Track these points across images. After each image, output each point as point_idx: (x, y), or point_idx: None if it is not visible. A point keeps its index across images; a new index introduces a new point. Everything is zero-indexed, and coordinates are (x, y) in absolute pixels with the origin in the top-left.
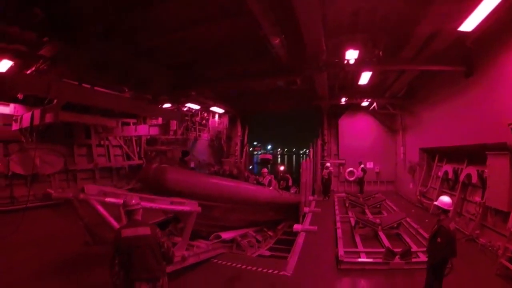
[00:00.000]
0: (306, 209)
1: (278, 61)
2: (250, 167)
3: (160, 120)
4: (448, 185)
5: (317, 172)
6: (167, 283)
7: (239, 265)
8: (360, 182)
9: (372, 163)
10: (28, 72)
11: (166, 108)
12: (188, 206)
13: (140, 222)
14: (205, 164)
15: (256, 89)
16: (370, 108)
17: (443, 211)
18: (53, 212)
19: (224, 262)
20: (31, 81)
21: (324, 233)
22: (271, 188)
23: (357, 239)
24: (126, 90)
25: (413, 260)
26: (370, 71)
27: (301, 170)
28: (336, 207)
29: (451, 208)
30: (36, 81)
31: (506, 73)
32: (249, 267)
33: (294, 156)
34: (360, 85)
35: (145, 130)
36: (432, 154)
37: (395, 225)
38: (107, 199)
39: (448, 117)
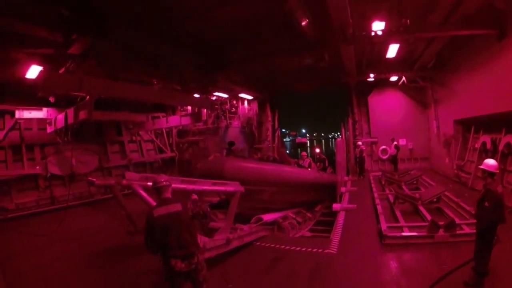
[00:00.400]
0: (343, 189)
1: (304, 38)
2: (287, 151)
3: (189, 110)
4: (487, 157)
5: (350, 152)
6: (203, 261)
7: (282, 246)
8: (393, 160)
9: (404, 140)
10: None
11: (196, 96)
12: (231, 186)
13: (171, 199)
14: (238, 151)
15: (283, 68)
16: (399, 83)
17: (489, 174)
18: (92, 209)
19: (267, 244)
20: (62, 79)
21: (364, 211)
22: (311, 170)
23: (398, 214)
24: (155, 82)
25: (458, 232)
26: (398, 41)
27: (335, 150)
28: (373, 185)
29: (497, 171)
30: (68, 79)
31: None
32: (293, 248)
33: (323, 140)
34: (388, 59)
35: (176, 120)
36: (467, 126)
37: (435, 199)
38: (149, 183)
39: (483, 84)
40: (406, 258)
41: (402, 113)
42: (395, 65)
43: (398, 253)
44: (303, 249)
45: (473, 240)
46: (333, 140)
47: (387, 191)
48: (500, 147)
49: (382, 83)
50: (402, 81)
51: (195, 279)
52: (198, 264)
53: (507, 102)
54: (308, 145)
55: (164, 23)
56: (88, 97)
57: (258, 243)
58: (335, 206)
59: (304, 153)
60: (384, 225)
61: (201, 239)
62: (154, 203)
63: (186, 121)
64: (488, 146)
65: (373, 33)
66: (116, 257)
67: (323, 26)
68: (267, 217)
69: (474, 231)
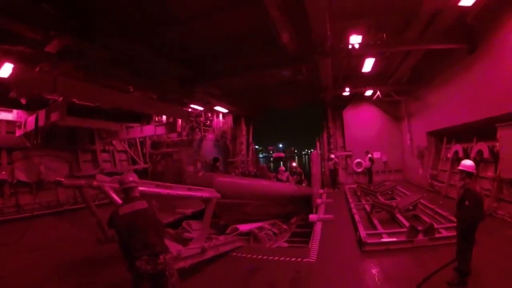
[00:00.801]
0: (318, 201)
1: (284, 51)
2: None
3: (164, 121)
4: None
5: (325, 166)
6: (172, 261)
7: (259, 257)
8: (368, 172)
9: (379, 153)
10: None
11: (173, 106)
12: (207, 192)
13: (137, 197)
14: (211, 165)
15: (261, 83)
16: (374, 97)
17: (467, 174)
18: (60, 219)
19: (243, 255)
20: (36, 78)
21: (341, 221)
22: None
23: (376, 222)
24: (131, 90)
25: (436, 236)
26: (374, 55)
27: (311, 163)
28: (349, 196)
29: (475, 171)
30: (42, 78)
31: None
32: (271, 257)
33: (296, 157)
34: (363, 74)
35: (151, 130)
36: (440, 137)
37: (411, 207)
38: None
39: (455, 96)
40: (387, 264)
41: (377, 127)
42: (370, 79)
43: (378, 259)
44: (281, 258)
45: (452, 243)
46: (307, 156)
47: (363, 202)
48: (472, 155)
49: (357, 98)
50: (376, 95)
51: (163, 286)
52: (167, 267)
53: (477, 111)
54: (284, 159)
55: (148, 30)
56: (61, 98)
57: (234, 254)
58: (312, 216)
59: (282, 168)
60: (363, 233)
61: (175, 247)
62: None
63: (160, 130)
64: (460, 154)
65: (350, 46)
66: (84, 268)
67: (303, 40)
68: (243, 227)
69: (453, 234)
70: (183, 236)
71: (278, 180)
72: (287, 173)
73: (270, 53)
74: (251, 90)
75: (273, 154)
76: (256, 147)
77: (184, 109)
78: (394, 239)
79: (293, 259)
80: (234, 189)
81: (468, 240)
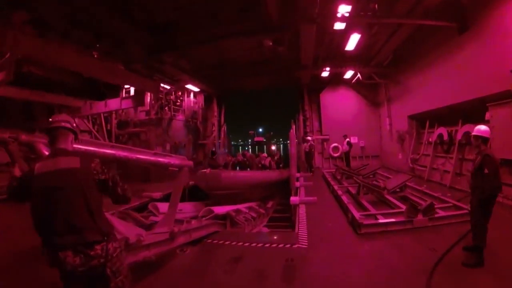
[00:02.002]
0: (297, 184)
1: (264, 20)
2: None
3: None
4: (443, 149)
5: (300, 150)
6: (120, 252)
7: (240, 243)
8: (346, 156)
9: (356, 138)
10: None
11: (141, 77)
12: (176, 159)
13: (66, 151)
14: (181, 146)
15: (235, 58)
16: (353, 80)
17: (482, 140)
18: (11, 206)
19: (221, 241)
20: None
21: (325, 204)
22: (274, 169)
23: (365, 203)
24: (95, 56)
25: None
26: (360, 31)
27: (288, 141)
28: (329, 179)
29: (490, 136)
30: None
31: (507, 21)
32: (254, 244)
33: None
34: (345, 53)
35: (116, 104)
36: (421, 121)
37: (399, 189)
38: None
39: (440, 78)
40: (388, 247)
41: (354, 111)
42: (352, 60)
43: (378, 242)
44: (267, 245)
45: (451, 223)
46: (281, 145)
47: (346, 184)
48: (458, 137)
49: (335, 81)
50: (357, 77)
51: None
52: (108, 262)
53: (465, 93)
54: (264, 143)
55: None
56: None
57: (209, 241)
58: (293, 199)
59: (264, 154)
60: (357, 214)
61: (135, 232)
62: None
63: (127, 104)
64: (445, 137)
65: (339, 15)
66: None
67: (288, 6)
68: (218, 209)
69: (451, 213)
70: (147, 221)
71: (262, 165)
72: (269, 159)
73: (248, 21)
74: (224, 65)
75: (254, 138)
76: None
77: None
78: (393, 220)
79: (280, 245)
80: (236, 182)
81: (486, 212)
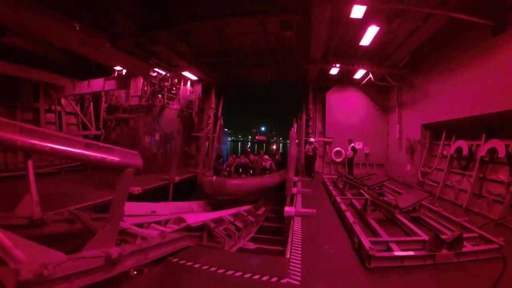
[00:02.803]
0: (293, 190)
1: None
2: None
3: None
4: (460, 164)
5: (301, 150)
6: None
7: (213, 268)
8: (349, 163)
9: (361, 144)
10: None
11: (127, 56)
12: (117, 155)
13: None
14: (171, 137)
15: (238, 46)
16: (364, 81)
17: None
18: None
19: (189, 263)
20: None
21: (325, 218)
22: (275, 173)
23: (373, 224)
24: (77, 28)
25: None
26: (380, 23)
27: (289, 140)
28: (331, 188)
29: None
30: None
31: None
32: (230, 272)
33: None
34: (358, 50)
35: (99, 85)
36: (437, 131)
37: (411, 207)
38: None
39: (464, 85)
40: None
41: (361, 115)
42: (364, 58)
43: (393, 281)
44: (247, 275)
45: (478, 260)
46: (281, 144)
47: (349, 195)
48: (481, 153)
49: (343, 80)
50: (368, 78)
51: None
52: None
53: (493, 103)
54: (266, 141)
55: None
56: None
57: (175, 259)
58: (288, 210)
59: (266, 156)
60: (366, 240)
61: (45, 256)
62: None
63: (110, 85)
64: (465, 152)
65: None
66: None
67: None
68: (193, 218)
69: (479, 249)
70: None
71: (263, 168)
72: (270, 160)
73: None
74: (226, 54)
75: (256, 137)
76: (226, 129)
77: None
78: (411, 253)
79: (264, 277)
80: (239, 189)
81: None
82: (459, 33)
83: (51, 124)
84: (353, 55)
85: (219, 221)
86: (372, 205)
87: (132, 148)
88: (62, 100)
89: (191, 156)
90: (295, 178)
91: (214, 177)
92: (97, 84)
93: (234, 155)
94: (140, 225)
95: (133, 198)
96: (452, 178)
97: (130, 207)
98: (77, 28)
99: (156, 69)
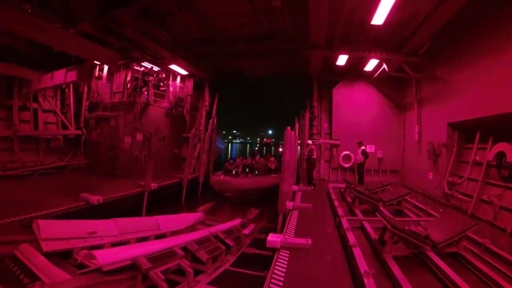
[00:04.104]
0: (289, 204)
1: None
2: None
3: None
4: (500, 174)
5: (303, 154)
6: None
7: None
8: (359, 169)
9: (373, 147)
10: None
11: (87, 41)
12: None
13: None
14: (160, 138)
15: (226, 31)
16: (376, 74)
17: None
18: None
19: None
20: None
21: (324, 252)
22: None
23: (395, 271)
24: (29, 10)
25: None
26: None
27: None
28: (336, 203)
29: None
30: None
31: None
32: None
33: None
34: (370, 34)
35: (61, 76)
36: (468, 131)
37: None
38: None
39: (506, 72)
40: None
41: (373, 114)
42: (377, 44)
43: None
44: None
45: None
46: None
47: (360, 215)
48: None
49: (353, 74)
50: (382, 69)
51: None
52: None
53: None
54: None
55: None
56: None
57: None
58: (272, 239)
59: (272, 158)
60: None
61: None
62: None
63: (71, 77)
64: (509, 159)
65: None
66: None
67: None
68: (115, 254)
69: None
70: None
71: (269, 168)
72: (276, 162)
73: None
74: (214, 41)
75: (264, 140)
76: (234, 131)
77: (132, 66)
78: None
79: None
80: (243, 186)
81: None
82: (495, 5)
83: (26, 123)
84: (363, 41)
85: (166, 255)
86: (397, 236)
87: (111, 149)
88: (40, 97)
89: (183, 159)
90: (295, 188)
91: (222, 176)
92: (59, 76)
93: (241, 158)
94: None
95: (93, 210)
96: (490, 191)
97: (59, 226)
98: (29, 10)
99: (144, 64)
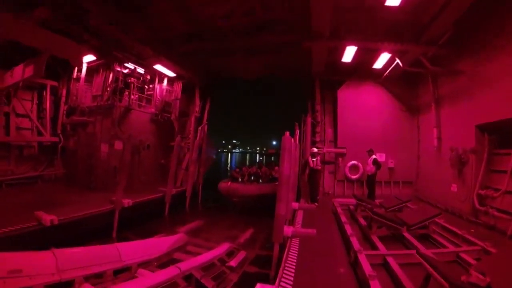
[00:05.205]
0: (287, 230)
1: None
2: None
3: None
4: None
5: (307, 164)
6: None
7: None
8: (369, 181)
9: (383, 155)
10: None
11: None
12: None
13: None
14: (143, 146)
15: (212, 22)
16: (387, 72)
17: None
18: None
19: None
20: None
21: None
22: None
23: None
24: None
25: None
26: None
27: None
28: (348, 229)
29: None
30: None
31: None
32: None
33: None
34: (381, 21)
35: (19, 72)
36: (503, 134)
37: None
38: None
39: None
40: None
41: (383, 117)
42: (390, 35)
43: None
44: None
45: None
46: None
47: (381, 247)
48: None
49: (359, 73)
50: (394, 65)
51: None
52: None
53: None
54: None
55: None
56: None
57: None
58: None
59: (276, 168)
60: None
61: None
62: None
63: (29, 72)
64: None
65: None
66: None
67: None
68: None
69: None
70: None
71: (273, 177)
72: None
73: None
74: (201, 36)
75: (268, 150)
76: (234, 141)
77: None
78: None
79: None
80: (248, 192)
81: None
82: None
83: None
84: (374, 31)
85: None
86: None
87: (88, 158)
88: (13, 100)
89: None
90: (295, 205)
91: (229, 183)
92: (18, 72)
93: (247, 167)
94: None
95: (46, 233)
96: None
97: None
98: None
99: (128, 65)
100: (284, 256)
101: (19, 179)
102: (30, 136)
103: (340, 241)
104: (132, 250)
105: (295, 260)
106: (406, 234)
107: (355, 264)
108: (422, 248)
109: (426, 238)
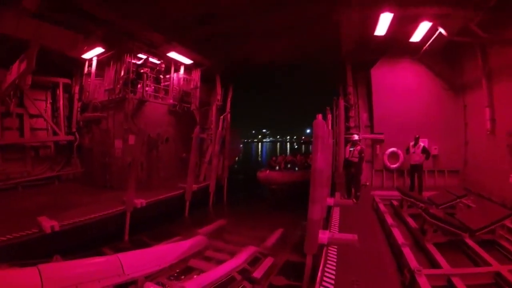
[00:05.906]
0: (323, 237)
1: None
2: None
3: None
4: None
5: (340, 155)
6: None
7: None
8: (417, 172)
9: (426, 141)
10: None
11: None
12: None
13: None
14: (162, 140)
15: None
16: (427, 45)
17: None
18: None
19: None
20: None
21: None
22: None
23: None
24: None
25: None
26: None
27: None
28: (398, 237)
29: None
30: None
31: None
32: None
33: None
34: None
35: (15, 70)
36: None
37: None
38: None
39: None
40: None
41: (423, 99)
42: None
43: None
44: None
45: None
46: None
47: (443, 263)
48: None
49: (394, 48)
50: (436, 35)
51: None
52: None
53: None
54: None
55: None
56: None
57: None
58: None
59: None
60: None
61: None
62: None
63: (23, 67)
64: None
65: None
66: None
67: None
68: None
69: None
70: None
71: (308, 164)
72: None
73: None
74: (211, 16)
75: (303, 138)
76: (264, 130)
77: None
78: None
79: None
80: (283, 179)
81: None
82: None
83: (10, 130)
84: None
85: None
86: None
87: (102, 156)
88: (26, 101)
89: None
90: (330, 201)
91: (268, 171)
92: (15, 69)
93: (284, 156)
94: None
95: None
96: None
97: None
98: None
99: (141, 56)
100: (319, 274)
101: (36, 180)
102: (45, 136)
103: (388, 251)
104: (137, 260)
105: (334, 275)
106: (469, 241)
107: (411, 287)
108: (491, 261)
109: (490, 244)
